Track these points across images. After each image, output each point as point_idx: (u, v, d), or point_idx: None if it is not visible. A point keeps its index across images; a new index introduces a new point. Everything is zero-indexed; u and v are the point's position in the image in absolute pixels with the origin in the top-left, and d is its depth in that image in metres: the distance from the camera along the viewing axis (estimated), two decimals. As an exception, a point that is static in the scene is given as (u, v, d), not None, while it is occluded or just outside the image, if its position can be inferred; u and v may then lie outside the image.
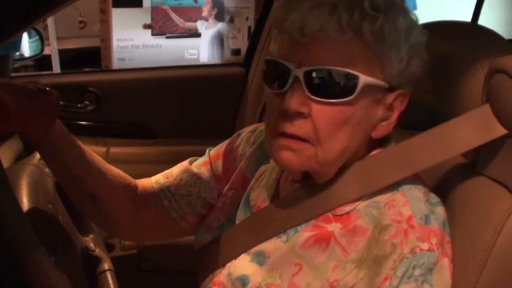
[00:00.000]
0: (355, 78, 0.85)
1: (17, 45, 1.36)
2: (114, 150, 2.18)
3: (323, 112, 0.86)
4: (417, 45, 0.91)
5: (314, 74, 0.85)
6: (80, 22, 3.69)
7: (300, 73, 0.85)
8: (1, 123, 0.87)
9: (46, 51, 2.64)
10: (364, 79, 0.85)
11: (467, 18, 2.95)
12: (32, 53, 2.10)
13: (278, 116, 0.88)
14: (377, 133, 0.93)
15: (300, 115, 0.86)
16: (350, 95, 0.85)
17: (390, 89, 0.90)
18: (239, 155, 1.15)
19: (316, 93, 0.85)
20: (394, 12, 0.87)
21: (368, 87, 0.86)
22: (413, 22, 0.91)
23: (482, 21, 3.04)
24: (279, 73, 0.88)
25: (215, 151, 1.18)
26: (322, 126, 0.86)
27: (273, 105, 0.90)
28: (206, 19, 2.67)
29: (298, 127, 0.87)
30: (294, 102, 0.85)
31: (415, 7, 3.80)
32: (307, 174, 0.95)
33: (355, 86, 0.85)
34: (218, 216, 1.13)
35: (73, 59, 3.80)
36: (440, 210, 0.89)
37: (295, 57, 0.87)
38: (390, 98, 0.90)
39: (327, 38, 0.84)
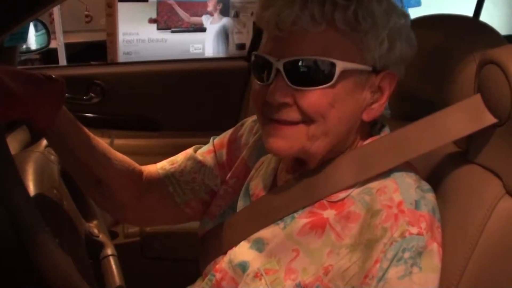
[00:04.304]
0: (332, 65, 0.88)
1: (24, 36, 1.38)
2: (118, 142, 2.19)
3: (307, 99, 0.89)
4: (399, 28, 0.92)
5: (293, 65, 0.89)
6: (86, 16, 3.71)
7: (280, 65, 0.89)
8: (8, 110, 0.90)
9: (53, 44, 2.65)
10: (341, 65, 0.88)
11: (470, 14, 2.95)
12: (39, 46, 2.10)
13: (264, 105, 0.92)
14: (368, 116, 0.95)
15: (285, 104, 0.90)
16: (330, 81, 0.88)
17: (376, 72, 0.92)
18: (242, 145, 1.18)
19: (297, 83, 0.89)
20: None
21: (347, 72, 0.89)
22: (391, 7, 0.92)
23: (485, 17, 3.02)
24: (264, 66, 0.92)
25: (219, 140, 1.21)
26: (309, 109, 0.89)
27: (259, 95, 0.94)
28: (211, 14, 2.67)
29: (286, 113, 0.91)
30: (277, 94, 0.90)
31: (419, 3, 3.80)
32: (299, 162, 0.99)
33: (332, 72, 0.88)
34: (220, 204, 1.16)
35: (79, 53, 3.79)
36: (431, 197, 0.91)
37: (276, 51, 0.91)
38: (376, 80, 0.93)
39: (303, 31, 0.88)
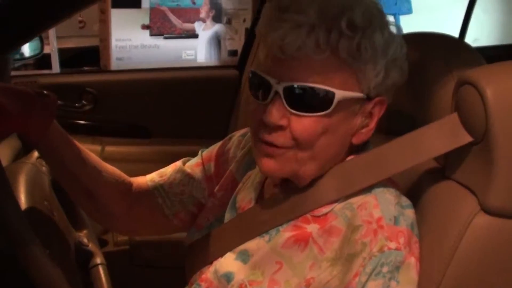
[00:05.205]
0: (331, 94, 0.90)
1: (16, 47, 1.39)
2: (109, 149, 2.20)
3: (301, 124, 0.91)
4: (395, 59, 0.94)
5: (292, 90, 0.90)
6: (80, 21, 3.69)
7: (280, 88, 0.91)
8: (2, 127, 0.92)
9: (46, 50, 2.64)
10: (339, 94, 0.90)
11: (460, 21, 2.96)
12: (32, 53, 2.10)
13: (259, 125, 0.94)
14: (357, 140, 0.97)
15: (280, 127, 0.92)
16: (327, 109, 0.90)
17: (368, 99, 0.94)
18: (230, 158, 1.19)
19: (295, 107, 0.91)
20: (371, 30, 0.90)
21: (344, 101, 0.91)
22: (392, 37, 0.94)
23: (476, 25, 3.03)
24: (262, 85, 0.94)
25: (208, 153, 1.23)
26: (300, 136, 0.91)
27: (255, 114, 0.95)
28: (203, 21, 2.67)
29: (277, 137, 0.93)
30: (274, 115, 0.91)
31: (410, 11, 3.82)
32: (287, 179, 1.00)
33: (331, 101, 0.90)
34: (207, 216, 1.17)
35: (73, 58, 3.78)
36: (410, 212, 0.94)
37: (276, 73, 0.92)
38: (368, 106, 0.95)
39: (306, 57, 0.89)
